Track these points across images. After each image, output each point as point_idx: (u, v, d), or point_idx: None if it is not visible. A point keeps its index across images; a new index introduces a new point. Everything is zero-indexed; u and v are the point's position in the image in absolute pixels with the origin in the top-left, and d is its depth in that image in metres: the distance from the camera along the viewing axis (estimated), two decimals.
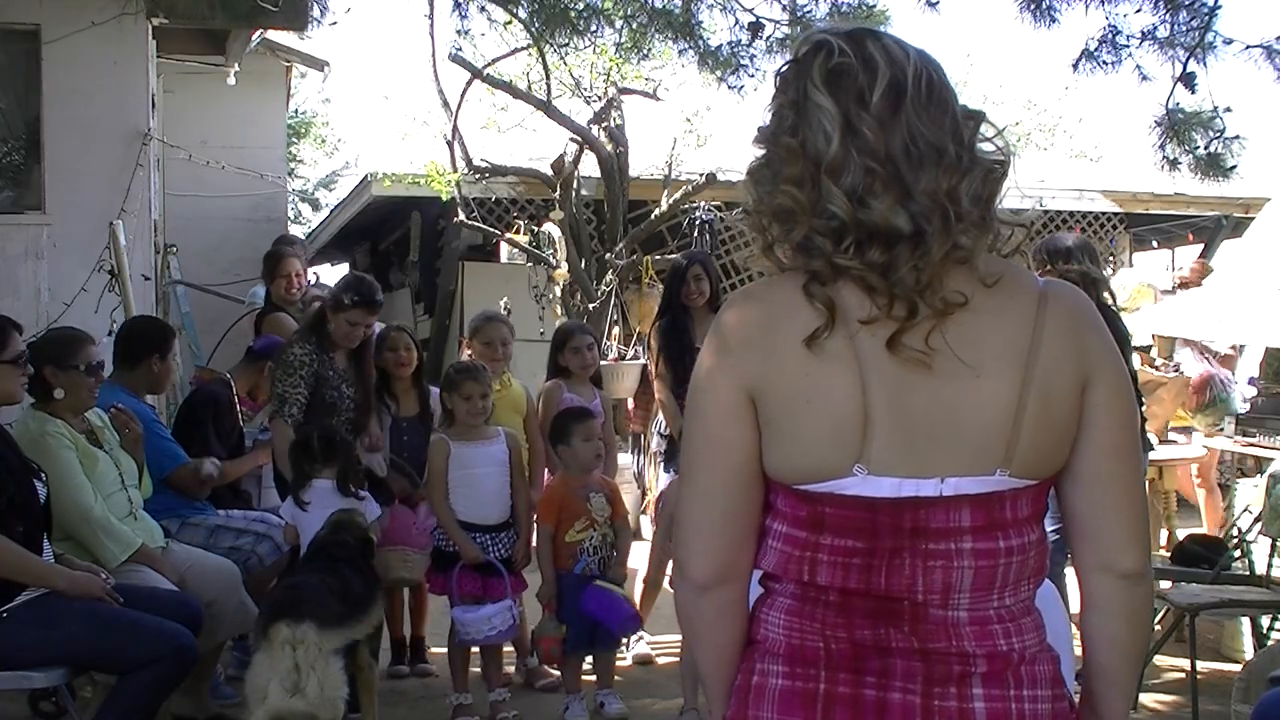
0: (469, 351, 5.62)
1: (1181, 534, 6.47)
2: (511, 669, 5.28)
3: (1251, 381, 8.64)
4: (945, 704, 1.51)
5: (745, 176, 1.58)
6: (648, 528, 6.30)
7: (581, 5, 7.47)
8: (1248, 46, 5.98)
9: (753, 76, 7.56)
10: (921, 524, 1.50)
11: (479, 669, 4.90)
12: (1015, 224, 1.56)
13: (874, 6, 6.81)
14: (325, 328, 4.98)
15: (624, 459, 7.03)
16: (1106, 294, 5.22)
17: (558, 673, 5.03)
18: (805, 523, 1.53)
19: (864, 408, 1.48)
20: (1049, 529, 1.62)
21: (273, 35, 10.44)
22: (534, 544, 4.93)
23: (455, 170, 9.18)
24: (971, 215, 1.49)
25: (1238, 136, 6.28)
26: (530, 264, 9.75)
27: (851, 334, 1.49)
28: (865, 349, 1.48)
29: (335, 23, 7.83)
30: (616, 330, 8.82)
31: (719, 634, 1.63)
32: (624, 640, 5.25)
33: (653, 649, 5.60)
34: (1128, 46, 6.24)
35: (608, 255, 9.35)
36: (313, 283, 6.99)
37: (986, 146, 1.54)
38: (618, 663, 5.14)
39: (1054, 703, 1.56)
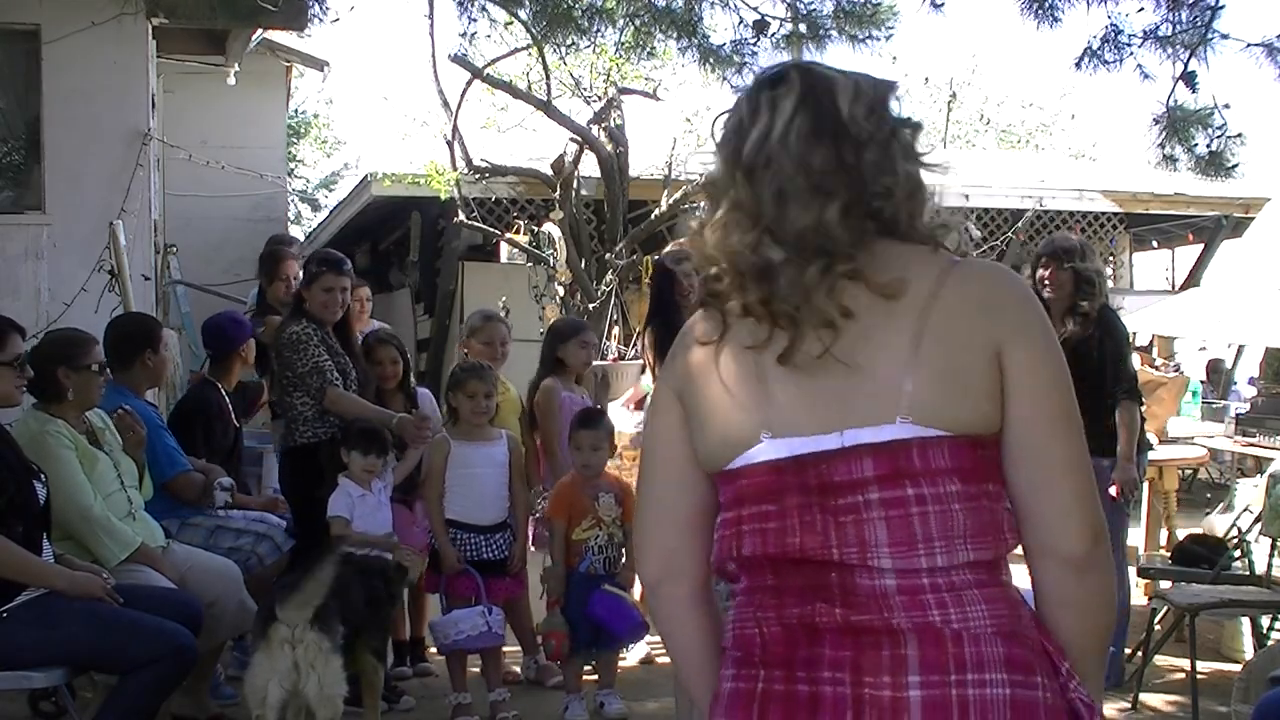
0: (466, 351, 5.62)
1: (1181, 534, 6.47)
2: (518, 668, 5.28)
3: (1251, 381, 8.66)
4: (878, 694, 1.44)
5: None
6: None
7: (584, 4, 7.45)
8: (1249, 45, 5.97)
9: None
10: (826, 479, 1.50)
11: (479, 669, 4.89)
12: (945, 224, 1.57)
13: (879, 4, 6.75)
14: (304, 307, 5.03)
15: None
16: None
17: None
18: (732, 503, 1.59)
19: (761, 374, 1.54)
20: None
21: (273, 35, 10.46)
22: (530, 544, 4.95)
23: (455, 170, 9.19)
24: (843, 243, 1.50)
25: (1239, 134, 6.27)
26: (530, 264, 9.76)
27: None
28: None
29: (337, 19, 7.82)
30: (616, 330, 8.82)
31: (676, 635, 1.71)
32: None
33: (653, 649, 5.59)
34: (1129, 45, 6.23)
35: (608, 255, 9.36)
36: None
37: (910, 169, 1.55)
38: (619, 662, 5.13)
39: (1013, 688, 1.44)
